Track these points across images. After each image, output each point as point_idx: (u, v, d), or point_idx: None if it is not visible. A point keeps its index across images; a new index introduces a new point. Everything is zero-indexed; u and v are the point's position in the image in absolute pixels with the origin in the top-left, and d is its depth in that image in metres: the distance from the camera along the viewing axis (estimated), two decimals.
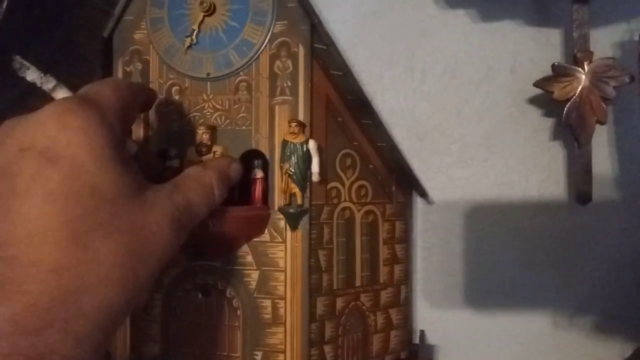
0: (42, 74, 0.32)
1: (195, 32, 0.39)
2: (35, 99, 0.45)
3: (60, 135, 0.26)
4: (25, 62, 0.33)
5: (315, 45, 0.37)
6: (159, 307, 0.40)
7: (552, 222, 0.47)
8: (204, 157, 0.38)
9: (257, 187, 0.38)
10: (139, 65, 0.41)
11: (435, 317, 0.49)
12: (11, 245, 0.25)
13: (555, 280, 0.47)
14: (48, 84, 0.32)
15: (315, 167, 0.37)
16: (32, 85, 0.38)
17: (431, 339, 0.49)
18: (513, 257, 0.48)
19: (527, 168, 0.48)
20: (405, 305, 0.44)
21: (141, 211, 0.28)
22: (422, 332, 0.49)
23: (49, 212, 0.25)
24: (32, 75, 0.32)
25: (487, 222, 0.49)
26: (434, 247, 0.49)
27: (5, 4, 0.45)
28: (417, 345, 0.47)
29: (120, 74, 0.41)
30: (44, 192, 0.25)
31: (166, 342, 0.40)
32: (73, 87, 0.54)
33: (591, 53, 0.42)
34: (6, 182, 0.26)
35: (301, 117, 0.37)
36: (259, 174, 0.38)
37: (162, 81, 0.40)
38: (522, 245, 0.48)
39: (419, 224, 0.49)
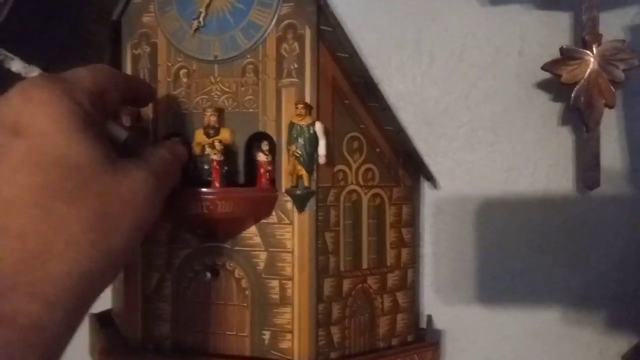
0: (26, 64, 0.33)
1: (203, 14, 0.39)
2: None
3: (25, 108, 0.27)
4: (8, 54, 0.33)
5: (322, 27, 0.37)
6: (169, 287, 0.40)
7: (559, 207, 0.47)
8: (212, 139, 0.38)
9: (260, 170, 0.38)
10: (147, 49, 0.41)
11: (441, 302, 0.49)
12: None
13: (563, 265, 0.47)
14: (32, 72, 0.33)
15: (322, 149, 0.37)
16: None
17: (438, 323, 0.49)
18: (520, 242, 0.48)
19: (534, 153, 0.48)
20: (412, 289, 0.45)
21: (113, 179, 0.28)
22: (429, 316, 0.49)
23: (14, 182, 0.26)
24: (16, 65, 0.33)
25: (494, 207, 0.49)
26: (441, 232, 0.49)
27: None
28: (424, 329, 0.47)
29: (128, 57, 0.41)
30: (10, 163, 0.26)
31: (176, 322, 0.40)
32: None
33: (600, 35, 0.42)
34: None
35: (308, 99, 0.37)
36: (261, 157, 0.38)
37: (170, 64, 0.40)
38: (529, 231, 0.48)
39: (426, 208, 0.49)
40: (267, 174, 0.38)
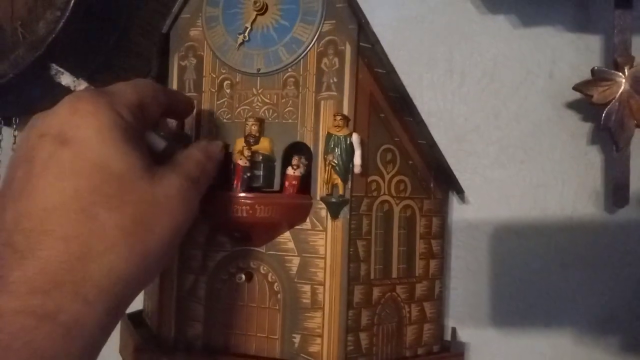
0: (75, 78, 0.36)
1: (248, 29, 0.41)
2: None
3: (71, 119, 0.29)
4: (59, 69, 0.36)
5: (361, 43, 0.39)
6: (204, 289, 0.42)
7: (587, 225, 0.47)
8: (253, 148, 0.40)
9: (286, 182, 0.39)
10: (194, 61, 0.43)
11: (466, 315, 0.50)
12: (28, 219, 0.27)
13: (590, 284, 0.47)
14: (80, 86, 0.35)
15: (357, 159, 0.38)
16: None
17: (462, 336, 0.49)
18: (547, 260, 0.48)
19: (563, 171, 0.48)
20: (439, 300, 0.45)
21: (149, 186, 0.30)
22: (453, 329, 0.49)
23: (60, 188, 0.28)
24: (66, 79, 0.36)
25: (521, 225, 0.49)
26: (468, 246, 0.50)
27: (68, 9, 0.48)
28: (449, 341, 0.48)
29: (175, 68, 0.44)
30: (56, 170, 0.28)
31: (209, 322, 0.41)
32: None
33: (632, 58, 0.43)
34: (28, 165, 0.29)
35: (345, 111, 0.39)
36: (289, 170, 0.39)
37: (214, 75, 0.42)
38: (556, 248, 0.48)
39: (454, 222, 0.50)
40: (292, 187, 0.39)
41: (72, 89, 0.35)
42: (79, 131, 0.29)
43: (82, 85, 0.35)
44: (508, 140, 0.50)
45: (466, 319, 0.50)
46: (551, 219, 0.49)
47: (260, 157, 0.40)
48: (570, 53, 0.48)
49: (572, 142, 0.48)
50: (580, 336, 0.48)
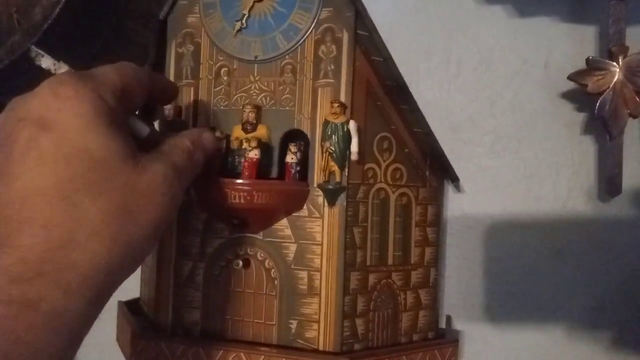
0: (55, 61, 0.35)
1: (245, 16, 0.41)
2: None
3: (52, 103, 0.28)
4: (39, 51, 0.35)
5: (359, 31, 0.39)
6: (201, 275, 0.42)
7: (581, 213, 0.48)
8: (249, 135, 0.40)
9: (290, 170, 0.40)
10: (191, 47, 0.43)
11: (460, 303, 0.50)
12: (7, 206, 0.27)
13: (583, 272, 0.48)
14: (61, 69, 0.34)
15: (354, 146, 0.39)
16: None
17: (456, 324, 0.50)
18: (540, 249, 0.49)
19: (557, 161, 0.49)
20: (434, 287, 0.46)
21: (133, 173, 0.29)
22: (448, 317, 0.50)
23: (41, 174, 0.27)
24: (46, 62, 0.35)
25: (515, 213, 0.50)
26: (463, 234, 0.51)
27: None
28: (444, 329, 0.48)
29: (172, 55, 0.44)
30: (37, 155, 0.27)
31: (207, 309, 0.42)
32: None
33: (626, 48, 0.43)
34: (6, 150, 0.28)
35: (343, 99, 0.39)
36: (288, 158, 0.39)
37: (212, 62, 0.42)
38: (550, 236, 0.49)
39: (450, 211, 0.50)
40: (295, 174, 0.39)
41: (53, 72, 0.35)
42: (60, 115, 0.28)
43: (63, 68, 0.34)
44: (503, 129, 0.50)
45: (460, 307, 0.50)
46: (545, 208, 0.49)
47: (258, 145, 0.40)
48: (566, 43, 0.49)
49: (566, 131, 0.49)
50: (573, 325, 0.48)
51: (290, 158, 0.39)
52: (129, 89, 0.32)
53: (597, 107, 0.43)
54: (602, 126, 0.44)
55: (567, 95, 0.48)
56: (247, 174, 0.38)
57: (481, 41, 0.51)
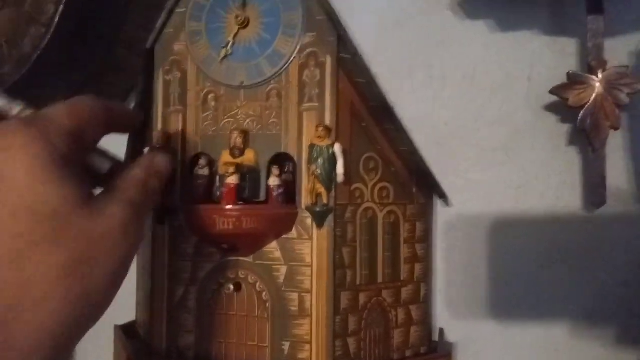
0: (10, 100, 0.34)
1: (231, 43, 0.42)
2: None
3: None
4: None
5: (341, 55, 0.40)
6: (194, 299, 0.42)
7: (568, 224, 0.48)
8: (237, 160, 0.41)
9: (272, 193, 0.40)
10: (178, 74, 0.44)
11: (453, 315, 0.51)
12: None
13: (572, 280, 0.49)
14: (14, 110, 0.34)
15: (340, 168, 0.39)
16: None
17: (449, 337, 0.51)
18: (530, 258, 0.50)
19: (543, 172, 0.50)
20: (425, 303, 0.46)
21: (88, 220, 0.28)
22: (441, 330, 0.50)
23: None
24: (1, 101, 0.34)
25: (504, 224, 0.50)
26: (453, 248, 0.51)
27: (53, 24, 0.48)
28: (437, 342, 0.49)
29: (160, 83, 0.44)
30: None
31: (200, 332, 0.42)
32: (114, 97, 0.58)
33: (605, 62, 0.44)
34: None
35: (327, 121, 0.40)
36: (271, 181, 0.40)
37: (199, 89, 0.43)
38: (538, 247, 0.49)
39: (439, 225, 0.51)
40: (278, 196, 0.40)
41: (7, 110, 0.34)
42: (8, 168, 0.26)
43: (17, 109, 0.33)
44: (488, 142, 0.51)
45: (453, 319, 0.51)
46: (533, 219, 0.50)
47: (246, 169, 0.40)
48: (548, 57, 0.49)
49: (551, 143, 0.49)
50: (565, 337, 0.49)
51: (273, 181, 0.40)
52: (83, 127, 0.31)
53: (579, 121, 0.44)
54: (585, 139, 0.45)
55: (551, 108, 0.49)
56: (225, 200, 0.39)
57: (464, 56, 0.51)
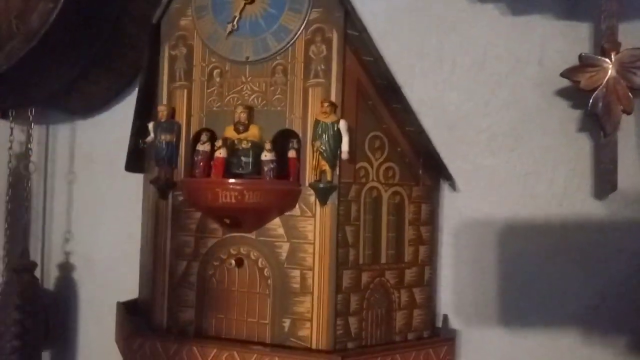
0: None
1: (237, 18, 0.42)
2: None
3: None
4: None
5: (348, 31, 0.40)
6: (195, 275, 0.42)
7: (577, 210, 0.47)
8: (241, 135, 0.40)
9: (292, 165, 0.40)
10: (184, 50, 0.44)
11: (458, 302, 0.50)
12: None
13: (579, 269, 0.48)
14: None
15: (345, 145, 0.39)
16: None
17: (453, 323, 0.50)
18: (538, 246, 0.49)
19: (553, 158, 0.49)
20: (429, 286, 0.46)
21: None
22: (445, 315, 0.50)
23: None
24: None
25: (512, 212, 0.50)
26: (459, 233, 0.50)
27: (61, 1, 0.48)
28: (440, 328, 0.48)
29: (166, 58, 0.44)
30: None
31: (201, 308, 0.42)
32: (121, 73, 0.58)
33: (618, 44, 0.43)
34: None
35: (333, 98, 0.39)
36: (292, 153, 0.40)
37: (204, 64, 0.43)
38: (546, 233, 0.48)
39: (445, 210, 0.50)
40: (269, 171, 0.40)
41: None
42: None
43: None
44: (498, 127, 0.50)
45: (457, 305, 0.50)
46: (541, 206, 0.49)
47: (250, 144, 0.40)
48: (559, 41, 0.48)
49: (561, 129, 0.48)
50: (570, 321, 0.48)
51: (264, 156, 0.39)
52: None
53: (590, 104, 0.43)
54: (596, 123, 0.44)
55: (561, 93, 0.48)
56: (215, 172, 0.39)
57: (475, 40, 0.51)
